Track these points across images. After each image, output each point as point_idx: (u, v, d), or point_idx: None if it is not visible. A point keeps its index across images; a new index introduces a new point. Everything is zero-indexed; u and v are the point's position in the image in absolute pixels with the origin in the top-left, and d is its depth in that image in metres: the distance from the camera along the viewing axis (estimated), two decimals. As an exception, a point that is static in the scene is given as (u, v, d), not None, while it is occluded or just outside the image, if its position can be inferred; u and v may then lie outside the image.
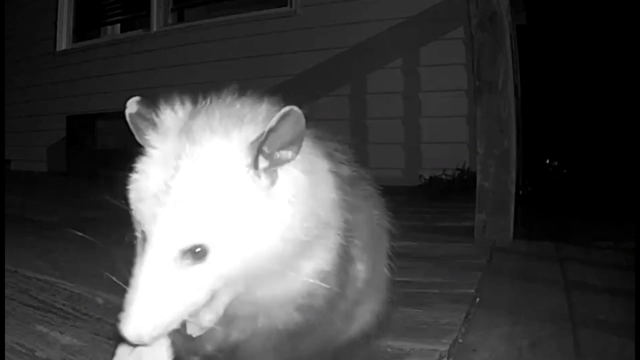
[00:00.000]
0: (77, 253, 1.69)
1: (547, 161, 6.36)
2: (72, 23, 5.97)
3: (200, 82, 4.91)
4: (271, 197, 0.65)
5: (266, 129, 0.63)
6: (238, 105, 0.69)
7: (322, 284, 0.71)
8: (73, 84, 5.71)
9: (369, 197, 0.87)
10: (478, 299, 1.40)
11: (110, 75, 5.45)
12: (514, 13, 3.39)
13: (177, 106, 0.70)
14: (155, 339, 0.64)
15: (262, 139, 0.63)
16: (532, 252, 2.07)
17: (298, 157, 0.65)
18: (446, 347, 1.06)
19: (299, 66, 4.47)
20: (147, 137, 0.69)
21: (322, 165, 0.71)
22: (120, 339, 0.65)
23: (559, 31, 6.10)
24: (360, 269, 0.81)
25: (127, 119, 0.70)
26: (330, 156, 0.74)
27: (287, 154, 0.65)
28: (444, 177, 3.86)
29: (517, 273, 1.76)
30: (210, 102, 0.70)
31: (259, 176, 0.65)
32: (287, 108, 0.63)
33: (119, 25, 5.91)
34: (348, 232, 0.75)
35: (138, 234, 0.69)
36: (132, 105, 0.70)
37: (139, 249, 0.68)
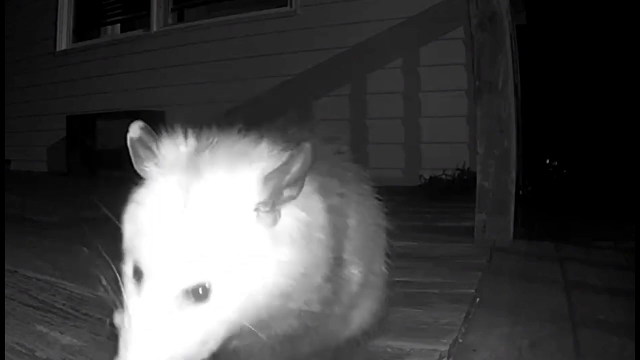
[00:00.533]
0: (77, 253, 1.69)
1: (547, 161, 6.37)
2: (72, 23, 5.97)
3: (200, 82, 4.95)
4: (274, 235, 0.64)
5: (278, 167, 0.62)
6: (241, 144, 0.67)
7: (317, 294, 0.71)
8: (73, 84, 5.71)
9: (364, 196, 0.87)
10: (478, 299, 1.40)
11: (110, 75, 5.45)
12: (514, 13, 3.39)
13: (180, 141, 0.68)
14: None
15: (273, 177, 0.63)
16: (532, 252, 2.07)
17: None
18: (446, 347, 1.06)
19: (299, 66, 4.47)
20: (147, 168, 0.67)
21: (317, 201, 0.70)
22: None
23: (559, 31, 6.10)
24: (354, 272, 0.80)
25: (128, 143, 0.67)
26: (323, 188, 0.73)
27: (293, 191, 0.64)
28: (444, 177, 3.86)
29: (517, 273, 1.76)
30: (215, 139, 0.68)
31: (264, 214, 0.64)
32: (301, 146, 0.62)
33: (119, 25, 5.91)
34: (339, 241, 0.74)
35: (127, 268, 0.66)
36: (134, 130, 0.67)
37: (128, 284, 0.65)
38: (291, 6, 4.64)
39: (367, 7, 4.29)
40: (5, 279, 1.50)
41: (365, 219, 0.85)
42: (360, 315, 0.89)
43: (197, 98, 4.86)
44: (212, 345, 0.64)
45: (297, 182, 0.63)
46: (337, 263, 0.74)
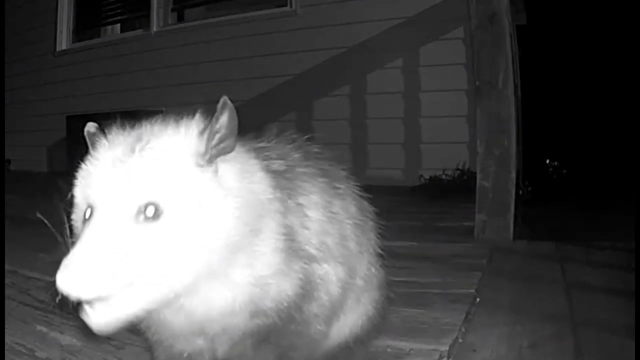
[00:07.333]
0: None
1: (547, 161, 6.37)
2: (72, 23, 5.97)
3: (200, 82, 4.94)
4: (218, 183, 0.69)
5: (209, 123, 0.69)
6: (175, 120, 0.74)
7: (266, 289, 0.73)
8: (73, 84, 5.70)
9: (337, 194, 0.86)
10: (478, 299, 1.40)
11: (110, 75, 5.45)
12: (514, 13, 3.39)
13: (127, 127, 0.74)
14: (98, 297, 0.61)
15: (205, 131, 0.69)
16: (532, 252, 2.07)
17: (235, 154, 0.71)
18: (446, 347, 1.06)
19: (299, 66, 4.47)
20: (98, 146, 0.73)
21: (254, 162, 0.75)
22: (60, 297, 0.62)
23: (559, 31, 6.10)
24: (328, 270, 0.80)
25: (85, 135, 0.75)
26: (263, 156, 0.78)
27: (227, 145, 0.69)
28: (444, 177, 3.86)
29: (517, 273, 1.76)
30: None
31: (204, 164, 0.69)
32: (223, 98, 0.68)
33: (119, 25, 5.91)
34: (293, 234, 0.76)
35: (76, 216, 0.72)
36: (90, 127, 0.76)
37: (79, 226, 0.71)
38: (291, 6, 4.64)
39: (367, 7, 4.29)
40: (5, 279, 1.50)
41: (339, 217, 0.84)
42: (351, 320, 0.88)
43: (197, 98, 4.85)
44: (164, 278, 0.65)
45: (229, 135, 0.69)
46: (295, 260, 0.75)
